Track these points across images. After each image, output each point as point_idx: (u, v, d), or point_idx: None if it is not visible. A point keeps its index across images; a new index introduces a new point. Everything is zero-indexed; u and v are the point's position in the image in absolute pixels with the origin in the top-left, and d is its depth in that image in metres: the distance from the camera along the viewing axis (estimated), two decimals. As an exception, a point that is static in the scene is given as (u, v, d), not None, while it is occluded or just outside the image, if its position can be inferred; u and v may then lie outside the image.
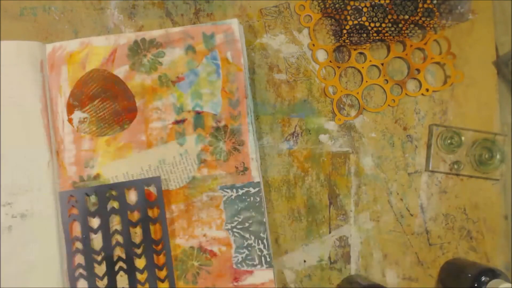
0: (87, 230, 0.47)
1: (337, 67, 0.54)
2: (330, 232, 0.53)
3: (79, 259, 0.47)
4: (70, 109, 0.49)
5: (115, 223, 0.48)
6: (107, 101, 0.49)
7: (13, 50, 0.47)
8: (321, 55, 0.54)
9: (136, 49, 0.49)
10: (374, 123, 0.54)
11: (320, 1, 0.53)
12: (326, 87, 0.54)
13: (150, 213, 0.48)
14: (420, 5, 0.53)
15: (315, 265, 0.53)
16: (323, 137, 0.54)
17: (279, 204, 0.53)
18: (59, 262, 0.47)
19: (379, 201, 0.54)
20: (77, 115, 0.49)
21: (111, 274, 0.47)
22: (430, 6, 0.53)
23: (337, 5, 0.53)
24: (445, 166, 0.54)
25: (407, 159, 0.54)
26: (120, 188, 0.48)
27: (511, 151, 0.55)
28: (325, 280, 0.53)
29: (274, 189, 0.53)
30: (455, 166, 0.54)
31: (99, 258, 0.47)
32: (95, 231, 0.47)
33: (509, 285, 0.45)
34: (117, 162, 0.49)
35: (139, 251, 0.48)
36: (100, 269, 0.47)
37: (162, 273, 0.47)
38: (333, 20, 0.54)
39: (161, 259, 0.48)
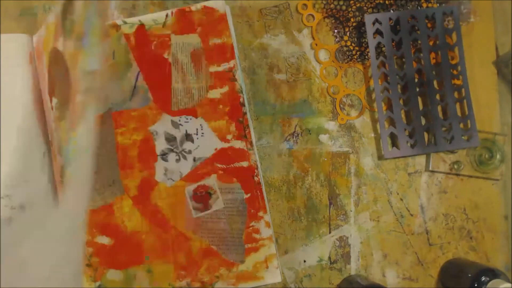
0: (391, 52, 0.52)
1: (339, 67, 0.54)
2: (330, 232, 0.53)
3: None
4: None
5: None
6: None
7: (2, 43, 0.47)
8: (322, 55, 0.54)
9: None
10: (374, 123, 0.54)
11: (324, 1, 0.53)
12: (329, 87, 0.54)
13: (448, 39, 0.53)
14: (424, 5, 0.53)
15: (315, 265, 0.53)
16: (323, 137, 0.54)
17: (279, 204, 0.53)
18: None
19: (379, 201, 0.54)
20: None
21: (411, 95, 0.52)
22: (434, 6, 0.53)
23: (343, 6, 0.53)
24: (445, 166, 0.54)
25: (407, 159, 0.54)
26: (421, 15, 0.52)
27: (511, 151, 0.55)
28: (325, 280, 0.53)
29: (274, 189, 0.53)
30: (455, 166, 0.54)
31: (401, 80, 0.52)
32: (398, 54, 0.52)
33: (509, 285, 0.45)
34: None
35: (437, 73, 0.52)
36: (402, 88, 0.53)
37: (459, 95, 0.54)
38: (334, 19, 0.54)
39: (458, 82, 0.53)
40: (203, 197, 0.49)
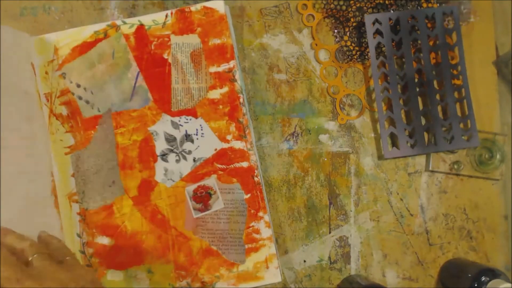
0: (391, 52, 0.52)
1: (339, 67, 0.54)
2: (330, 232, 0.53)
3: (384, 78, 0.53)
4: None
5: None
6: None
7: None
8: (322, 55, 0.54)
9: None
10: (374, 123, 0.54)
11: (324, 1, 0.53)
12: (329, 87, 0.54)
13: (448, 39, 0.53)
14: (424, 5, 0.53)
15: (315, 265, 0.53)
16: (323, 137, 0.54)
17: (279, 204, 0.53)
18: None
19: (379, 201, 0.54)
20: None
21: (411, 95, 0.52)
22: (434, 6, 0.53)
23: (343, 6, 0.53)
24: (445, 166, 0.54)
25: (407, 159, 0.54)
26: (421, 15, 0.52)
27: (511, 151, 0.55)
28: (325, 280, 0.53)
29: (274, 189, 0.53)
30: (455, 166, 0.54)
31: (401, 80, 0.52)
32: (398, 54, 0.52)
33: (509, 285, 0.45)
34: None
35: (437, 73, 0.52)
36: (402, 88, 0.53)
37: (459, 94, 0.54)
38: (334, 19, 0.54)
39: (458, 82, 0.53)
40: (203, 198, 0.49)
